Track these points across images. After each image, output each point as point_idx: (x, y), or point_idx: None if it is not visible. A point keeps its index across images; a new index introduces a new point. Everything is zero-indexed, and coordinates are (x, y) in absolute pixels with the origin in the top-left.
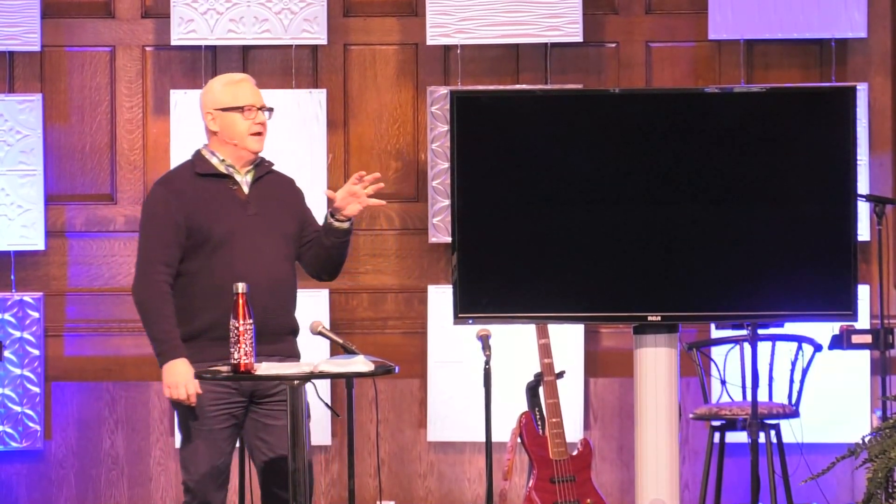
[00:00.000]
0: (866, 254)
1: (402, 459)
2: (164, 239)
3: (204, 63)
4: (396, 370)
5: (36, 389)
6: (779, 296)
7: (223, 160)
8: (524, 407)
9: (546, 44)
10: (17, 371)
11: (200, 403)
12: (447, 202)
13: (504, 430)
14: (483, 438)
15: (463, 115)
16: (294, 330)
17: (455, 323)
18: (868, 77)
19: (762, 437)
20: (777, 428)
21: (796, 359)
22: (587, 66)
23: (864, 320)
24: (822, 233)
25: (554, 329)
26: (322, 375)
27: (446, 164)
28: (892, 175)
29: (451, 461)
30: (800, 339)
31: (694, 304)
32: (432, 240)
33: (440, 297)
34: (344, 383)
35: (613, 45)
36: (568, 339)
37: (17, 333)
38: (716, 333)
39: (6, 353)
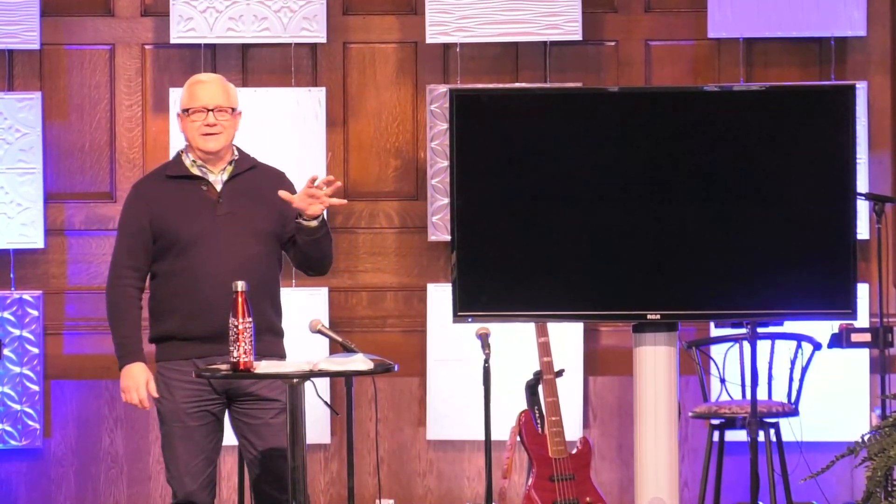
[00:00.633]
0: (865, 252)
1: (402, 458)
2: (130, 243)
3: (203, 61)
4: (396, 368)
5: (35, 388)
6: (778, 294)
7: (194, 161)
8: (523, 405)
9: (545, 42)
10: (17, 369)
11: (174, 401)
12: (446, 200)
13: (503, 429)
14: (482, 437)
15: (462, 113)
16: (272, 329)
17: (454, 321)
18: (867, 75)
19: (761, 436)
20: (776, 426)
21: (796, 357)
22: (586, 65)
23: (863, 319)
24: (821, 231)
25: (553, 327)
26: (321, 374)
27: (446, 163)
28: (891, 173)
29: (451, 459)
30: (799, 338)
31: (693, 303)
32: (431, 238)
33: (439, 296)
34: (343, 381)
35: (613, 43)
36: (567, 337)
37: (17, 332)
38: (715, 332)
39: (5, 352)
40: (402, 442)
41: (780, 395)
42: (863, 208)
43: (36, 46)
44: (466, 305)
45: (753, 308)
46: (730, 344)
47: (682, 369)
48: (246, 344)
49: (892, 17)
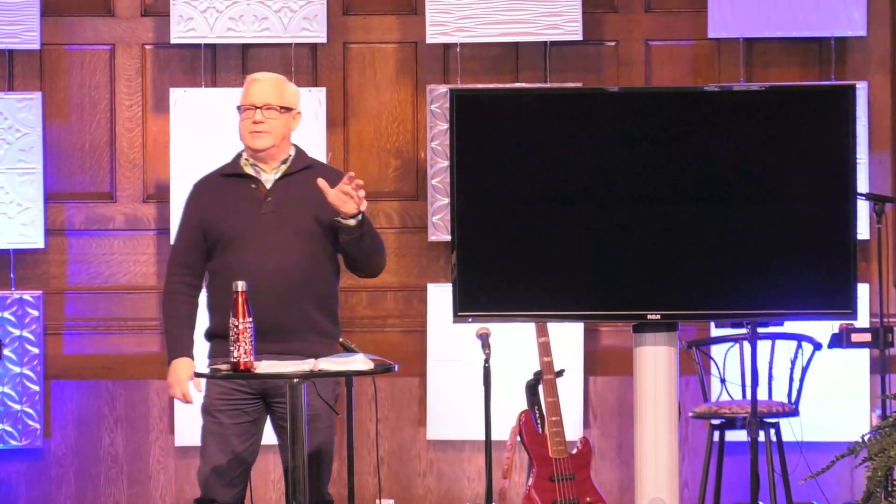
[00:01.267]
0: (866, 252)
1: (402, 458)
2: (182, 240)
3: (203, 61)
4: (396, 368)
5: (35, 388)
6: (778, 294)
7: (248, 160)
8: (524, 405)
9: (545, 42)
10: (17, 369)
11: (210, 398)
12: (447, 200)
13: (503, 429)
14: (482, 437)
15: (462, 113)
16: (316, 328)
17: (454, 321)
18: (867, 75)
19: (762, 436)
20: (777, 426)
21: (796, 357)
22: (586, 65)
23: (863, 319)
24: (821, 231)
25: (553, 327)
26: (321, 374)
27: (446, 163)
28: (891, 173)
29: (451, 459)
30: (799, 338)
31: (693, 303)
32: (432, 238)
33: (440, 296)
34: (343, 381)
35: (613, 43)
36: (567, 337)
37: (17, 332)
38: (715, 332)
39: (6, 352)
40: (402, 442)
41: (780, 395)
42: (863, 208)
43: (36, 46)
44: (466, 305)
45: (753, 308)
46: (730, 344)
47: (683, 369)
48: (246, 344)
49: (892, 17)
